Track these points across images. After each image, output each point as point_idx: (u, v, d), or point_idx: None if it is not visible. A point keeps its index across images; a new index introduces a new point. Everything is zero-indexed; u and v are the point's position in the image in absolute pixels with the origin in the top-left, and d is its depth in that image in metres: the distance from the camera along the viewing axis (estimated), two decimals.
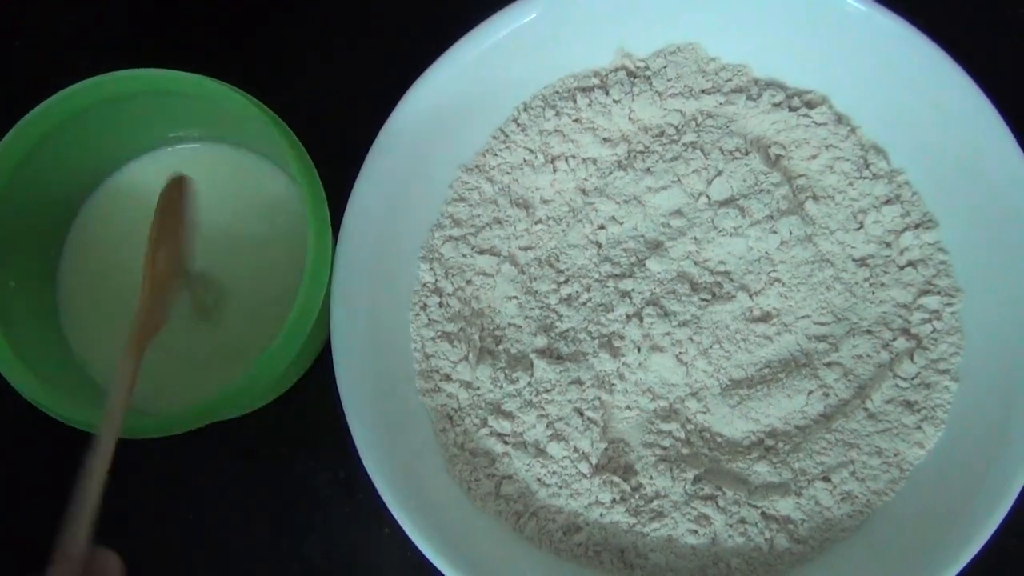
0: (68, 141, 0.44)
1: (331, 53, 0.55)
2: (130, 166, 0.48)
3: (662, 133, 0.47)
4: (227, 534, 0.49)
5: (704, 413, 0.45)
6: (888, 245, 0.46)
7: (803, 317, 0.46)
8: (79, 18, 0.56)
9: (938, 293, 0.45)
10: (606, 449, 0.44)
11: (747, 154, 0.46)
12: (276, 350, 0.40)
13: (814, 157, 0.47)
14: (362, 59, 0.54)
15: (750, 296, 0.45)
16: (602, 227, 0.47)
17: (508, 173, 0.48)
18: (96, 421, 0.40)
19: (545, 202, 0.48)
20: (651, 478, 0.44)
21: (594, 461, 0.44)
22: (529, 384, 0.45)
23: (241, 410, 0.46)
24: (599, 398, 0.45)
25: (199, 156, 0.48)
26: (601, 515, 0.44)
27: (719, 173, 0.46)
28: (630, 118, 0.48)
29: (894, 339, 0.45)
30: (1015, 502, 0.40)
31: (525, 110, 0.48)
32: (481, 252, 0.47)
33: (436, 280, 0.46)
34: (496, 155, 0.48)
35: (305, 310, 0.41)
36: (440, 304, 0.46)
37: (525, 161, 0.48)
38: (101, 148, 0.46)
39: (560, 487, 0.44)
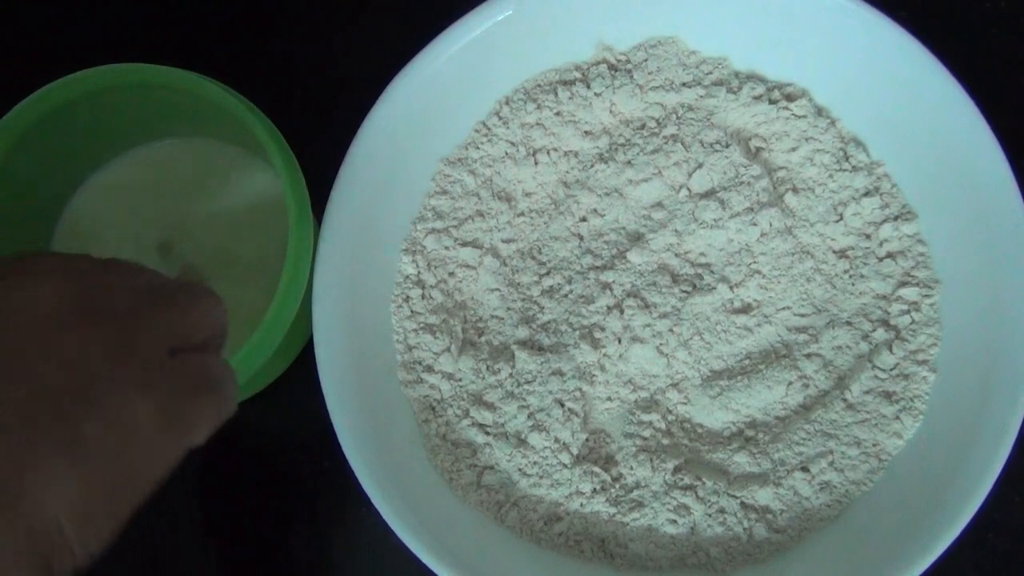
0: (52, 137, 0.44)
1: (314, 47, 0.55)
2: (115, 162, 0.48)
3: (643, 126, 0.48)
4: (212, 524, 0.50)
5: (684, 404, 0.45)
6: (868, 237, 0.46)
7: (783, 308, 0.46)
8: (59, 14, 0.56)
9: (917, 284, 0.45)
10: (587, 440, 0.45)
11: (727, 147, 0.47)
12: (256, 343, 0.40)
13: (794, 150, 0.47)
14: (345, 52, 0.55)
15: (730, 288, 0.46)
16: (584, 219, 0.47)
17: (490, 166, 0.48)
18: None
19: (527, 195, 0.48)
20: (631, 468, 0.44)
21: (575, 451, 0.44)
22: (511, 375, 0.45)
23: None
24: (580, 389, 0.45)
25: (183, 151, 0.48)
26: (582, 505, 0.44)
27: (700, 166, 0.47)
28: (611, 111, 0.48)
29: (873, 330, 0.45)
30: (991, 493, 0.40)
31: (507, 103, 0.48)
32: (463, 244, 0.47)
33: (419, 272, 0.47)
34: (478, 148, 0.48)
35: (285, 303, 0.41)
36: (423, 296, 0.46)
37: (507, 154, 0.48)
38: (86, 144, 0.46)
39: (541, 477, 0.44)
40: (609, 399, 0.45)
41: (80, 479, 0.27)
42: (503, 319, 0.47)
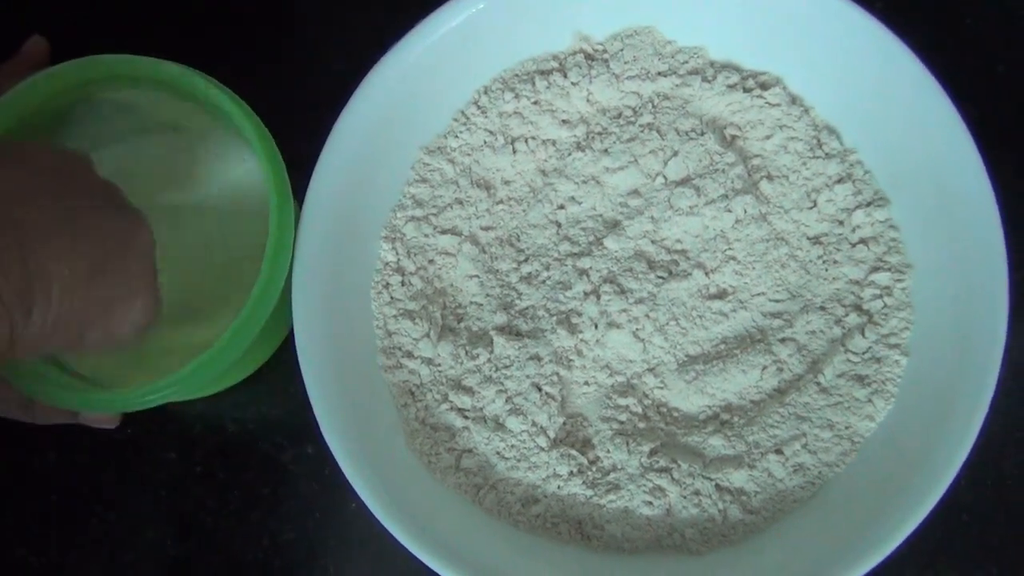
0: (39, 130, 0.44)
1: (293, 36, 0.56)
2: (96, 155, 0.48)
3: (619, 115, 0.48)
4: (197, 509, 0.50)
5: (661, 388, 0.46)
6: (841, 223, 0.47)
7: (758, 294, 0.47)
8: (32, 8, 0.56)
9: (889, 269, 0.46)
10: (564, 423, 0.46)
11: (702, 135, 0.47)
12: (237, 330, 0.41)
13: (768, 137, 0.48)
14: (323, 42, 0.55)
15: (706, 274, 0.46)
16: (561, 207, 0.48)
17: (469, 155, 0.49)
18: (62, 400, 0.41)
19: (506, 183, 0.49)
20: (608, 451, 0.45)
21: (552, 435, 0.45)
22: (489, 360, 0.46)
23: (207, 390, 0.47)
24: (557, 374, 0.46)
25: (164, 142, 0.48)
26: (559, 487, 0.45)
27: (675, 154, 0.47)
28: (588, 100, 0.49)
29: (846, 315, 0.46)
30: (963, 475, 0.41)
31: (485, 93, 0.49)
32: (443, 232, 0.48)
33: (398, 259, 0.47)
34: (457, 137, 0.49)
35: (266, 291, 0.41)
36: (402, 283, 0.47)
37: (486, 143, 0.49)
38: (69, 138, 0.47)
39: (519, 460, 0.45)
40: (586, 383, 0.46)
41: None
42: (482, 305, 0.47)
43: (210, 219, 0.48)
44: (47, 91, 0.42)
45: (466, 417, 0.45)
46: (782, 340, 0.46)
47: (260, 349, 0.48)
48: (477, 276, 0.47)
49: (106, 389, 0.44)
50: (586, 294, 0.46)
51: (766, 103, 0.48)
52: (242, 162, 0.48)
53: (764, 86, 0.48)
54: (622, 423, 0.45)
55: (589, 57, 0.49)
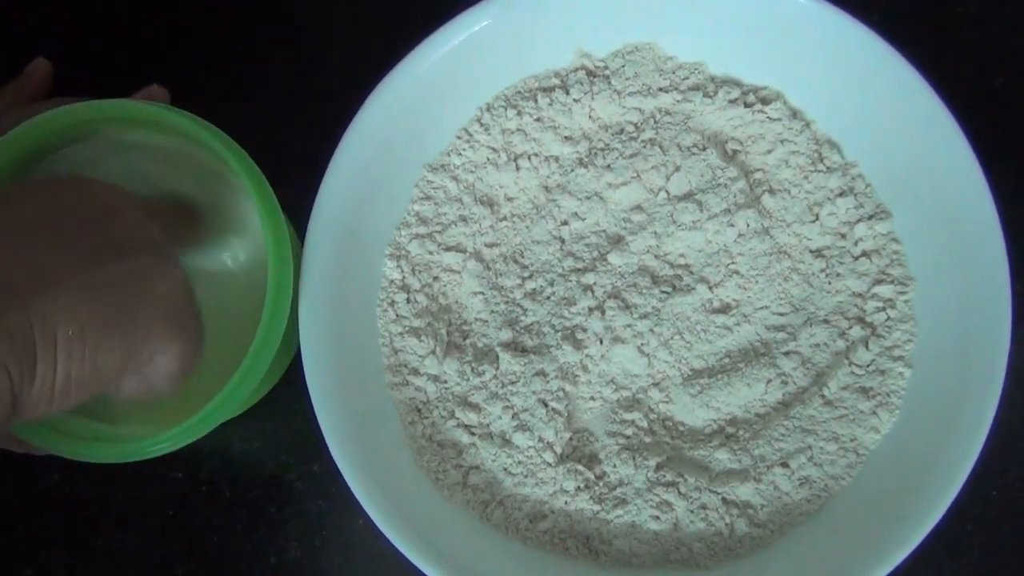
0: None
1: (295, 56, 0.56)
2: None
3: (621, 131, 0.49)
4: (203, 528, 0.50)
5: (666, 402, 0.46)
6: (843, 236, 0.47)
7: (762, 308, 0.47)
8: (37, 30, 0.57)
9: (892, 282, 0.46)
10: (570, 439, 0.46)
11: (704, 150, 0.48)
12: (246, 370, 0.40)
13: (770, 152, 0.48)
14: (326, 61, 0.55)
15: (709, 288, 0.47)
16: (565, 223, 0.48)
17: (472, 172, 0.49)
18: (67, 450, 0.40)
19: (509, 199, 0.49)
20: (615, 466, 0.45)
21: (559, 450, 0.45)
22: (495, 377, 0.46)
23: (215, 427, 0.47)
24: (563, 389, 0.46)
25: (159, 179, 0.47)
26: (566, 503, 0.45)
27: (677, 169, 0.47)
28: (590, 116, 0.49)
29: (850, 327, 0.46)
30: (969, 486, 0.41)
31: (488, 110, 0.49)
32: (447, 249, 0.48)
33: (403, 277, 0.48)
34: (460, 154, 0.49)
35: (272, 325, 0.40)
36: (407, 300, 0.47)
37: (489, 160, 0.49)
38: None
39: (526, 476, 0.45)
40: (592, 399, 0.46)
41: (91, 308, 0.34)
42: (487, 322, 0.47)
43: (211, 256, 0.47)
44: (56, 128, 0.41)
45: (473, 434, 0.46)
46: (786, 353, 0.46)
47: (266, 383, 0.48)
48: (482, 293, 0.48)
49: (111, 440, 0.42)
50: (591, 309, 0.46)
51: (767, 117, 0.48)
52: (242, 195, 0.47)
53: (765, 101, 0.48)
54: (628, 438, 0.45)
55: (591, 74, 0.49)
